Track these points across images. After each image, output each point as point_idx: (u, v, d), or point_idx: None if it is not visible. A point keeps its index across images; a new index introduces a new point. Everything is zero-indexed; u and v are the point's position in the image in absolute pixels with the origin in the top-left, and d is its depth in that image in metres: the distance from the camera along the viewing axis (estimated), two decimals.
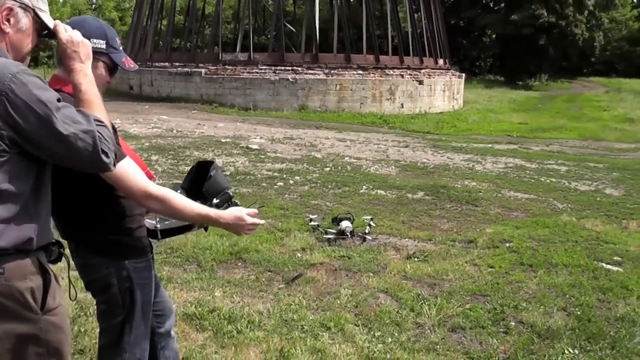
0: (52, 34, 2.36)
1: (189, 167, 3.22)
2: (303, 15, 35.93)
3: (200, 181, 3.00)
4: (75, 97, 2.34)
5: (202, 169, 3.09)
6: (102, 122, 2.19)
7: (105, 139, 2.14)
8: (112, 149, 2.17)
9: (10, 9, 2.20)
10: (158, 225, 2.90)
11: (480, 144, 16.22)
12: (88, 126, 2.10)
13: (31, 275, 2.20)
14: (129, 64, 2.78)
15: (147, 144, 13.60)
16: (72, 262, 2.68)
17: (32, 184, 2.18)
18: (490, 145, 16.01)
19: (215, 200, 2.89)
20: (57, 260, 2.39)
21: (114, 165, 2.21)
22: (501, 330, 4.74)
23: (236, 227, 2.78)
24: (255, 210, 2.82)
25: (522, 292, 5.56)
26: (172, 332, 3.31)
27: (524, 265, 6.31)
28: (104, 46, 2.66)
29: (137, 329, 2.86)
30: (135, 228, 2.80)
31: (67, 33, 2.37)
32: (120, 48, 2.76)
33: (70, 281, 2.60)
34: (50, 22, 2.35)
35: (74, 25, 2.51)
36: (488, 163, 12.90)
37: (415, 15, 30.64)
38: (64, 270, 2.57)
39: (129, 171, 2.55)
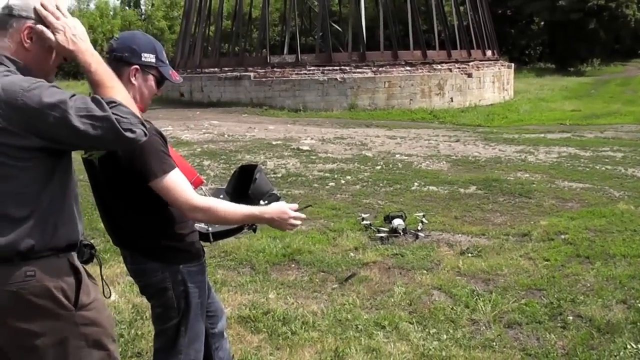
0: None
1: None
2: (349, 15, 35.94)
3: (244, 184, 3.09)
4: (87, 79, 2.40)
5: (246, 172, 3.18)
6: (115, 102, 2.22)
7: (124, 117, 2.19)
8: (135, 121, 2.22)
9: (31, 28, 2.30)
10: (210, 229, 3.02)
11: (532, 135, 15.97)
12: (102, 112, 2.16)
13: (62, 275, 2.32)
14: (175, 76, 2.93)
15: (199, 150, 13.79)
16: (122, 266, 2.78)
17: (56, 187, 2.30)
18: (542, 135, 15.75)
19: (262, 202, 2.96)
20: (89, 260, 2.52)
21: (145, 134, 2.26)
22: (559, 325, 4.68)
23: (279, 222, 2.83)
24: (296, 205, 2.88)
25: (579, 285, 5.47)
26: (225, 333, 3.40)
27: (581, 257, 6.20)
28: (154, 60, 2.80)
29: (192, 331, 2.96)
30: (188, 233, 2.90)
31: (60, 18, 2.34)
32: (167, 62, 2.87)
33: (102, 279, 2.69)
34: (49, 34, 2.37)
35: (124, 40, 2.63)
36: (541, 153, 12.70)
37: (461, 8, 30.37)
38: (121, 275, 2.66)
39: (176, 183, 2.64)
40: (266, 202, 3.00)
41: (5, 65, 2.25)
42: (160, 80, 2.87)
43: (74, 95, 2.18)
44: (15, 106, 2.12)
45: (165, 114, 21.50)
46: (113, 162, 2.66)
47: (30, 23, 2.30)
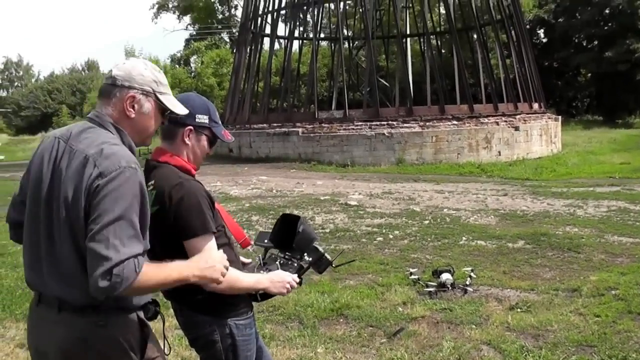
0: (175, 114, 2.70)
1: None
2: (396, 69, 36.36)
3: (287, 235, 3.21)
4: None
5: (288, 222, 3.29)
6: (132, 255, 2.26)
7: (122, 270, 2.21)
8: (124, 276, 2.22)
9: (133, 97, 2.53)
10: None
11: (581, 188, 15.84)
12: (117, 255, 2.22)
13: (131, 328, 2.48)
14: (228, 136, 3.10)
15: (248, 205, 14.02)
16: (171, 320, 2.91)
17: None
18: (591, 189, 15.60)
19: (307, 258, 3.12)
20: (154, 317, 2.66)
21: (111, 289, 2.23)
22: None
23: (274, 287, 3.02)
24: (295, 277, 3.08)
25: (631, 342, 5.41)
26: None
27: (632, 313, 6.12)
28: (207, 121, 2.97)
29: None
30: None
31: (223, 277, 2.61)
32: (220, 122, 3.05)
33: (164, 336, 2.83)
34: (170, 103, 2.65)
35: (180, 101, 2.82)
36: (590, 207, 12.59)
37: (507, 61, 30.47)
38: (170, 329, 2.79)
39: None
40: (311, 258, 3.14)
41: (111, 132, 2.49)
42: (213, 139, 3.04)
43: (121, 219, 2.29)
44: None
45: (214, 170, 21.93)
46: (162, 217, 2.76)
47: (132, 92, 2.53)
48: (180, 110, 2.71)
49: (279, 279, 3.03)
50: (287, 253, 3.17)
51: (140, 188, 2.36)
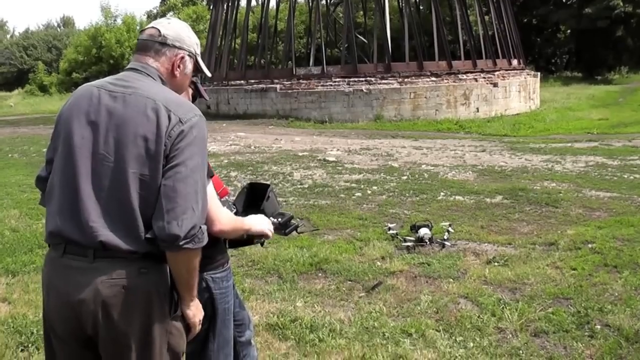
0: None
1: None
2: (374, 26, 36.05)
3: (254, 202, 3.24)
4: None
5: (256, 189, 3.33)
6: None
7: (195, 229, 2.33)
8: (204, 237, 2.39)
9: (182, 57, 2.61)
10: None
11: (559, 144, 15.90)
12: (201, 213, 2.38)
13: (167, 277, 2.49)
14: (205, 94, 3.12)
15: (226, 161, 13.93)
16: None
17: None
18: (569, 145, 15.66)
19: (273, 220, 3.15)
20: None
21: (189, 241, 2.34)
22: (586, 334, 4.67)
23: (265, 227, 3.04)
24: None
25: (607, 294, 5.45)
26: (252, 341, 3.47)
27: (608, 266, 6.18)
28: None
29: (220, 336, 3.04)
30: (212, 241, 2.97)
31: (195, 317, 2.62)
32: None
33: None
34: (203, 65, 2.75)
35: None
36: (568, 163, 12.65)
37: (486, 17, 30.30)
38: None
39: (211, 196, 2.75)
40: (279, 219, 3.18)
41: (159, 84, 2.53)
42: (195, 95, 3.06)
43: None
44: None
45: None
46: None
47: (182, 53, 2.61)
48: (208, 72, 2.79)
49: (265, 220, 3.04)
50: None
51: (207, 134, 2.49)
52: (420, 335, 4.64)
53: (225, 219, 2.76)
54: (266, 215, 3.14)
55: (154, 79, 2.52)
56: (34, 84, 55.19)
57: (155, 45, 2.57)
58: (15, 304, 5.59)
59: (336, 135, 19.32)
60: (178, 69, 2.61)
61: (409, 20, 28.79)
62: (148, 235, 2.31)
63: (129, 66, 2.58)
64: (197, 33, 50.48)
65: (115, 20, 55.10)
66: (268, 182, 3.53)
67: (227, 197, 3.15)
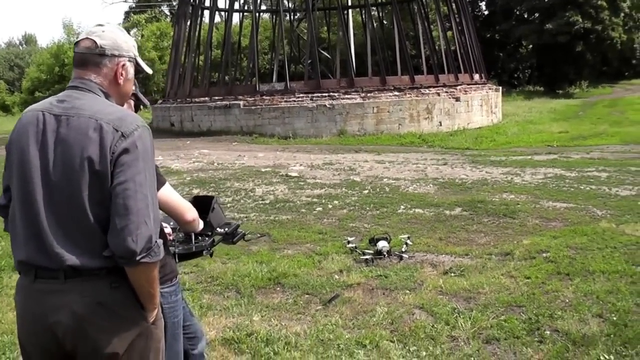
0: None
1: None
2: (337, 41, 36.30)
3: (199, 214, 3.29)
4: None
5: (201, 202, 3.37)
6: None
7: (151, 242, 2.37)
8: (160, 251, 2.41)
9: (124, 65, 2.61)
10: (177, 250, 3.22)
11: (519, 157, 16.15)
12: (154, 227, 2.40)
13: None
14: (145, 100, 3.18)
15: (189, 178, 13.90)
16: None
17: None
18: (529, 157, 15.92)
19: (220, 230, 3.26)
20: None
21: (146, 256, 2.37)
22: (536, 339, 4.78)
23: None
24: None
25: (558, 301, 5.58)
26: (205, 355, 3.53)
27: (561, 274, 6.31)
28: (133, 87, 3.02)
29: (170, 350, 3.08)
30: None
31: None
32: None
33: None
34: (144, 65, 2.75)
35: None
36: (527, 175, 12.85)
37: (449, 33, 30.68)
38: None
39: (172, 194, 2.81)
40: (225, 229, 3.30)
41: (101, 97, 2.55)
42: (137, 104, 3.13)
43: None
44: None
45: (156, 144, 21.44)
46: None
47: (122, 61, 2.61)
48: (149, 70, 2.79)
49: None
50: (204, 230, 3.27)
51: (152, 143, 2.50)
52: (374, 346, 4.70)
53: (192, 210, 2.93)
54: (212, 226, 3.20)
55: (95, 94, 2.53)
56: None
57: (95, 57, 2.57)
58: None
59: (300, 151, 19.39)
60: (121, 76, 2.62)
61: (372, 35, 29.10)
62: (105, 254, 2.35)
63: (70, 84, 2.59)
64: (162, 50, 50.84)
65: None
66: (212, 195, 3.58)
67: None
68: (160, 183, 2.71)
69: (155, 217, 2.41)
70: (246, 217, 9.64)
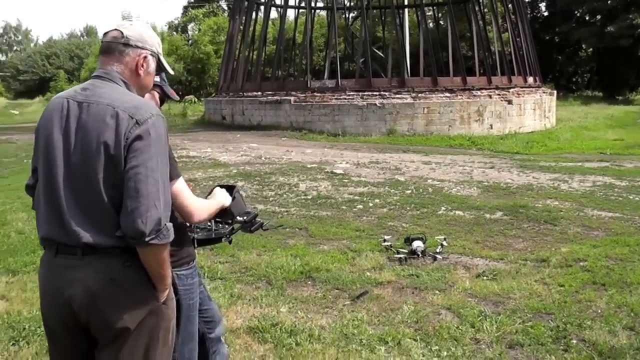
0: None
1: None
2: (391, 40, 36.20)
3: None
4: None
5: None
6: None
7: (160, 225, 2.48)
8: (170, 233, 2.53)
9: (145, 57, 2.75)
10: (195, 236, 3.33)
11: (569, 163, 15.85)
12: (165, 209, 2.53)
13: None
14: (174, 95, 3.29)
15: (235, 171, 14.09)
16: None
17: None
18: (580, 164, 15.60)
19: (240, 218, 3.32)
20: None
21: (155, 237, 2.49)
22: (561, 347, 4.73)
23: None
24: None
25: (589, 310, 5.49)
26: (222, 338, 3.61)
27: (597, 284, 6.20)
28: (157, 79, 3.13)
29: (184, 331, 3.17)
30: (179, 239, 3.11)
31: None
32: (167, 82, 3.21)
33: None
34: (166, 63, 2.89)
35: None
36: (575, 182, 12.63)
37: (504, 34, 30.30)
38: None
39: (184, 191, 2.89)
40: (244, 218, 3.36)
41: (122, 87, 2.68)
42: (163, 97, 3.24)
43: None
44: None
45: (206, 137, 21.99)
46: None
47: (145, 53, 2.75)
48: (170, 70, 2.93)
49: (224, 192, 3.24)
50: (216, 219, 3.35)
51: (166, 132, 2.62)
52: (396, 344, 4.73)
53: (201, 211, 2.97)
54: (233, 214, 3.28)
55: (117, 83, 2.66)
56: (55, 92, 55.77)
57: (119, 46, 2.70)
58: (12, 301, 5.81)
59: (347, 149, 19.42)
60: (142, 68, 2.73)
61: (425, 35, 28.91)
62: (117, 234, 2.48)
63: (94, 73, 2.73)
64: (218, 44, 51.34)
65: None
66: (234, 184, 3.70)
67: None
68: (174, 175, 2.79)
69: (166, 202, 2.52)
70: (287, 211, 9.74)
